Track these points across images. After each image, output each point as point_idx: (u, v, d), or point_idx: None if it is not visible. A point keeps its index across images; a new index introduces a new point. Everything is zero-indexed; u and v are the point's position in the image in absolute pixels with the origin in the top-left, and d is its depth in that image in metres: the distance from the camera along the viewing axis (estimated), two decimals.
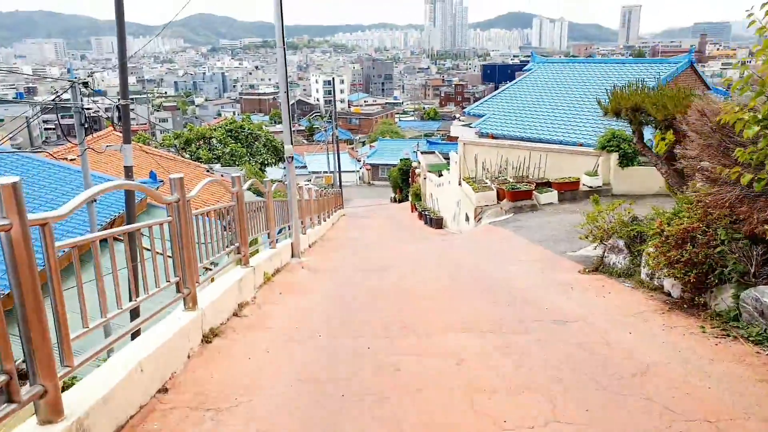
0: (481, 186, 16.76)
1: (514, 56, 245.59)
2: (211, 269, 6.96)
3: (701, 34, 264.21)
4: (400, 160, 44.23)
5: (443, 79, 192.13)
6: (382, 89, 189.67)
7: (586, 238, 9.27)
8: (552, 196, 16.05)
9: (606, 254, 8.85)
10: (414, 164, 36.86)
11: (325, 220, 19.08)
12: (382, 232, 20.06)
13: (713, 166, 5.25)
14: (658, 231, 6.79)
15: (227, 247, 6.91)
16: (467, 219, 17.66)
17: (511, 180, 17.23)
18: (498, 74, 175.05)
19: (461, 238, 13.79)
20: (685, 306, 6.60)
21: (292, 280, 8.81)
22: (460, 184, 18.59)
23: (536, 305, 7.08)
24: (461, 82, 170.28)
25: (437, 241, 14.17)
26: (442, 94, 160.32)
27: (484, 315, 6.62)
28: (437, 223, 22.09)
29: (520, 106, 24.72)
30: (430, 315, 6.66)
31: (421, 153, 34.00)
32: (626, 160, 16.10)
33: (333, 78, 43.97)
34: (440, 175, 27.22)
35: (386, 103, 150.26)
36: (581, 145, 19.01)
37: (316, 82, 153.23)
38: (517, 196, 15.74)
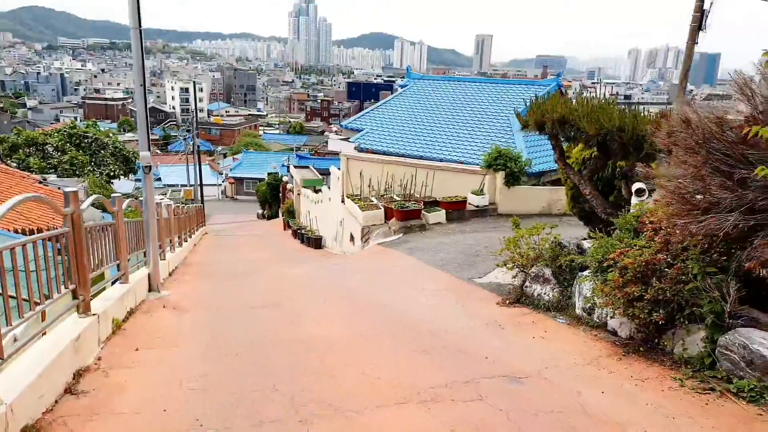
0: (368, 204, 15.48)
1: (377, 76, 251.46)
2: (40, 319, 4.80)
3: (543, 66, 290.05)
4: (268, 174, 41.98)
5: (308, 94, 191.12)
6: (245, 100, 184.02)
7: (504, 264, 8.22)
8: (440, 215, 15.17)
9: (528, 284, 7.84)
10: (285, 179, 34.90)
11: (186, 241, 16.68)
12: (256, 253, 18.00)
13: (705, 187, 4.26)
14: (611, 262, 5.79)
15: (56, 291, 4.82)
16: (352, 239, 16.26)
17: (397, 198, 16.13)
18: (363, 92, 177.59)
19: (352, 261, 12.35)
20: (640, 349, 5.66)
21: (152, 327, 6.76)
22: (343, 201, 17.18)
23: (473, 354, 5.79)
24: (327, 98, 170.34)
25: (325, 265, 12.57)
26: (308, 109, 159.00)
27: (417, 373, 5.17)
28: (315, 242, 20.44)
29: (399, 121, 24.01)
30: (348, 377, 5.07)
31: (294, 167, 32.16)
32: (512, 179, 15.70)
33: (193, 82, 40.61)
34: (317, 191, 25.64)
35: (249, 114, 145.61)
36: (461, 162, 18.52)
37: (172, 89, 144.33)
38: (407, 215, 14.65)
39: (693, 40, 15.87)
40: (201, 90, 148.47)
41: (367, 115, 25.84)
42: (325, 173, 35.96)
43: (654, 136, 5.08)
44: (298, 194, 29.05)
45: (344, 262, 12.42)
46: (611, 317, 6.32)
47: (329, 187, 20.65)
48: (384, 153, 20.49)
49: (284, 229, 30.04)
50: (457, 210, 15.44)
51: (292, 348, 5.91)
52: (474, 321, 7.09)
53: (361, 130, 23.99)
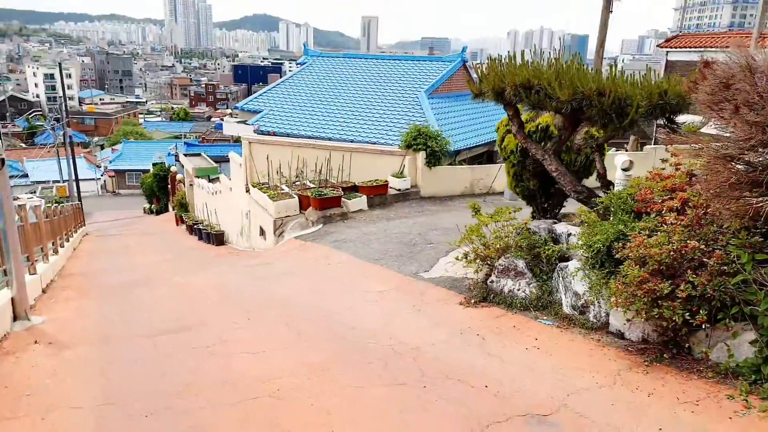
0: (279, 193, 13.74)
1: (263, 59, 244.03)
2: None
3: (429, 47, 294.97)
4: (153, 164, 38.40)
5: (191, 79, 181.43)
6: (121, 87, 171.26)
7: (465, 257, 7.00)
8: (361, 201, 13.78)
9: (495, 278, 6.67)
10: (173, 169, 31.84)
11: (63, 246, 14.12)
12: (149, 255, 15.66)
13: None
14: (629, 253, 4.69)
15: None
16: (263, 233, 14.46)
17: (311, 184, 14.52)
18: (250, 75, 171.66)
19: (271, 260, 10.64)
20: (663, 356, 4.64)
21: (16, 381, 4.86)
22: (248, 191, 15.28)
23: (465, 381, 4.51)
24: (212, 82, 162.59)
25: (238, 267, 10.75)
26: (192, 94, 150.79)
27: (408, 426, 3.79)
28: (217, 238, 18.32)
29: (302, 101, 22.25)
30: None
31: (184, 155, 29.29)
32: (434, 159, 14.61)
33: (59, 65, 35.90)
34: (212, 181, 23.29)
35: (127, 102, 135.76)
36: (374, 144, 17.22)
37: (35, 75, 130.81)
38: (325, 203, 13.10)
39: (608, 8, 15.56)
40: (69, 76, 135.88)
41: (265, 95, 23.80)
42: (221, 160, 33.34)
43: (693, 92, 3.96)
44: (191, 185, 26.41)
45: (261, 262, 10.70)
46: (609, 315, 5.27)
47: (229, 177, 18.58)
48: (290, 135, 18.72)
49: (177, 225, 27.30)
50: (378, 195, 14.10)
51: (222, 402, 4.31)
52: (443, 330, 5.82)
53: (260, 112, 22.01)
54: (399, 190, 14.48)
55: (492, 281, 6.69)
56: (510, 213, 6.79)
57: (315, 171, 15.01)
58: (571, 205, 8.86)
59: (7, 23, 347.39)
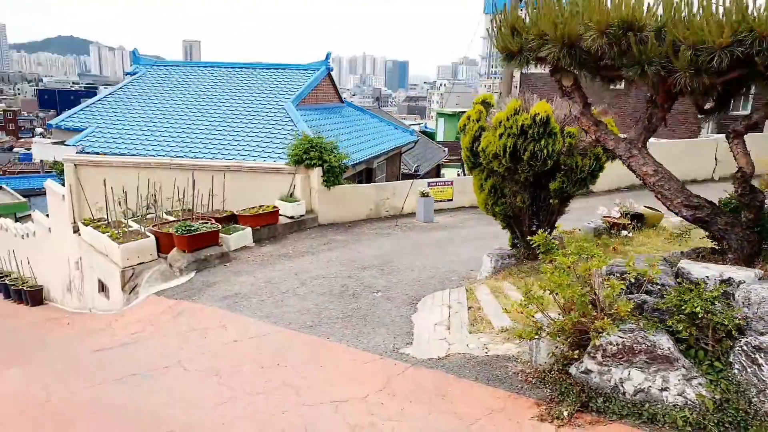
0: (126, 232, 9.87)
1: (73, 83, 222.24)
2: None
3: None
4: None
5: None
6: None
7: (520, 336, 4.17)
8: (245, 236, 10.44)
9: (595, 366, 3.89)
10: None
11: None
12: None
13: None
14: None
15: None
16: (104, 290, 10.40)
17: (170, 217, 10.83)
18: (59, 100, 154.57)
19: (128, 336, 6.86)
20: None
21: None
22: (77, 231, 11.10)
23: None
24: (11, 108, 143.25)
25: (76, 355, 6.79)
26: None
27: None
28: (33, 297, 13.56)
29: (138, 116, 18.01)
30: None
31: None
32: (332, 177, 11.70)
33: None
34: (20, 220, 18.02)
35: None
36: (251, 161, 13.85)
37: None
38: (197, 242, 9.53)
39: None
40: None
41: (88, 110, 19.07)
42: (32, 194, 27.14)
43: None
44: None
45: (114, 343, 6.90)
46: None
47: (46, 214, 13.93)
48: (125, 156, 14.60)
49: None
50: (266, 225, 10.84)
51: None
52: None
53: (83, 129, 17.37)
54: (292, 217, 11.35)
55: (587, 371, 3.90)
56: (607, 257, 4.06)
57: (173, 198, 11.30)
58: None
59: None
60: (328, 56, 22.01)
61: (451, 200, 13.05)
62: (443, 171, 34.22)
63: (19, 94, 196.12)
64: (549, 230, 6.59)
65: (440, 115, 56.19)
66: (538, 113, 5.80)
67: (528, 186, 6.10)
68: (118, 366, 5.80)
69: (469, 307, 5.68)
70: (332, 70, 21.78)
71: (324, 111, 20.09)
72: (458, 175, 31.85)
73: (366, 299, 6.75)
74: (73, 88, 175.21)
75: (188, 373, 5.24)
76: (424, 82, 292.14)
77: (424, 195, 11.78)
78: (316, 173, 11.55)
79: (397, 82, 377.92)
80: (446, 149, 35.22)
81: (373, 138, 20.10)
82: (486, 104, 6.51)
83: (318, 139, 11.73)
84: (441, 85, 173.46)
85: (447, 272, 7.91)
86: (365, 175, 18.92)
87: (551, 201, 6.17)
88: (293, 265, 8.98)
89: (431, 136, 46.33)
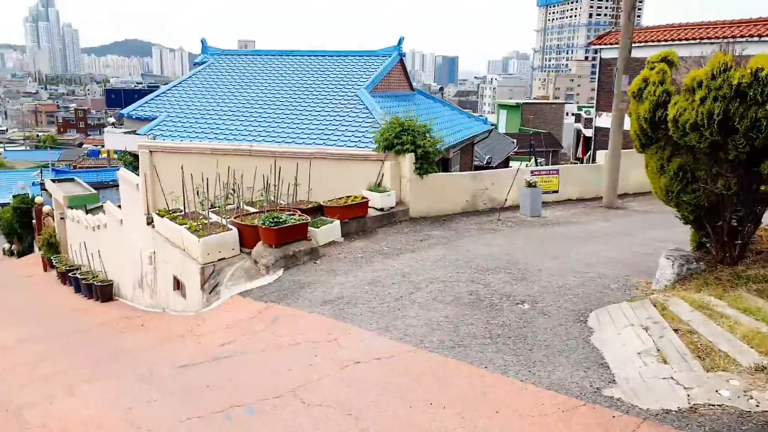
0: (205, 224, 8.87)
1: (137, 83, 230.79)
2: None
3: None
4: (14, 196, 31.07)
5: (58, 105, 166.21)
6: None
7: None
8: (333, 229, 9.28)
9: None
10: (39, 200, 25.20)
11: None
12: (4, 331, 10.07)
13: None
14: None
15: None
16: (179, 287, 9.46)
17: (251, 208, 9.79)
18: (125, 99, 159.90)
19: (215, 348, 5.76)
20: None
21: None
22: (151, 222, 10.22)
23: None
24: (82, 108, 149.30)
25: (160, 372, 5.71)
26: (60, 120, 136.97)
27: None
28: (104, 292, 12.89)
29: (209, 104, 17.22)
30: None
31: (53, 182, 22.78)
32: (426, 165, 10.38)
33: None
34: (91, 212, 17.57)
35: None
36: (337, 147, 12.68)
37: None
38: (285, 235, 8.42)
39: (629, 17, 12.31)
40: None
41: (158, 99, 18.44)
42: (101, 187, 27.11)
43: None
44: (62, 218, 20.25)
45: (205, 357, 5.75)
46: None
47: (119, 204, 13.24)
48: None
49: (46, 270, 20.99)
50: (355, 218, 9.64)
51: None
52: None
53: (154, 119, 16.70)
54: (381, 209, 10.11)
55: None
56: None
57: (253, 188, 10.25)
58: None
59: None
60: (400, 41, 20.69)
61: (557, 191, 11.53)
62: (511, 163, 32.58)
63: (88, 94, 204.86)
64: (753, 227, 5.07)
65: (502, 107, 54.08)
66: (762, 68, 4.31)
67: (736, 167, 4.62)
68: (214, 392, 4.66)
69: (675, 330, 4.26)
70: (404, 56, 20.48)
71: (396, 98, 18.84)
72: (526, 166, 30.17)
73: (511, 312, 5.41)
74: (137, 88, 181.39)
75: (310, 409, 4.02)
76: (474, 77, 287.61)
77: (531, 185, 10.32)
78: (408, 160, 10.26)
79: (446, 78, 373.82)
80: (514, 141, 33.50)
81: (448, 126, 18.72)
82: (669, 62, 5.05)
83: (410, 122, 10.44)
84: (492, 79, 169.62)
85: (596, 278, 6.49)
86: (441, 165, 17.57)
87: (762, 188, 4.66)
88: (395, 264, 7.72)
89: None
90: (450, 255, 7.92)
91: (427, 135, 10.58)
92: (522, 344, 4.69)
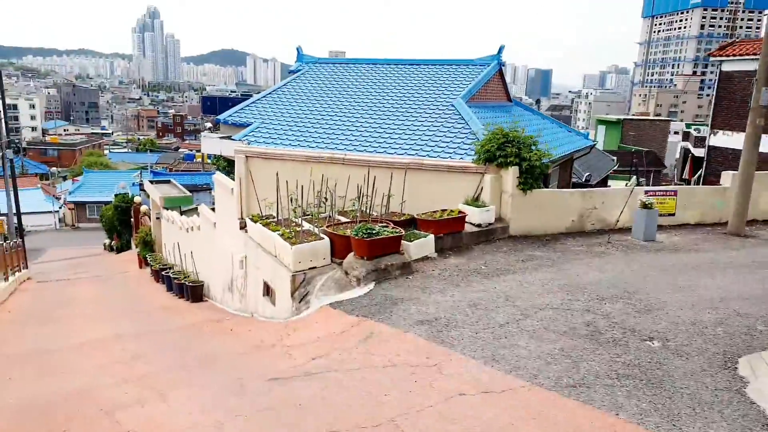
0: (297, 231, 8.70)
1: (231, 91, 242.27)
2: None
3: None
4: (115, 195, 32.89)
5: (158, 111, 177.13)
6: (87, 118, 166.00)
7: None
8: (427, 244, 8.83)
9: None
10: (137, 199, 26.45)
11: None
12: (97, 324, 10.40)
13: None
14: None
15: None
16: (269, 293, 9.33)
17: (342, 218, 9.54)
18: (219, 106, 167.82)
19: (307, 363, 5.49)
20: None
21: None
22: (244, 227, 10.20)
23: None
24: (179, 114, 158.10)
25: (253, 380, 5.50)
26: (159, 125, 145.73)
27: None
28: (194, 292, 13.10)
29: (303, 111, 17.31)
30: None
31: (150, 182, 23.86)
32: (531, 179, 9.75)
33: (0, 88, 29.91)
34: (185, 213, 18.09)
35: (92, 133, 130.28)
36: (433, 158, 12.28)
37: None
38: (378, 247, 8.08)
39: None
40: (33, 107, 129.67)
41: (253, 106, 18.79)
42: (195, 190, 28.13)
43: None
44: (158, 218, 21.08)
45: (297, 372, 5.48)
46: None
47: (213, 207, 13.47)
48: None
49: (141, 267, 21.91)
50: (450, 234, 9.16)
51: None
52: None
53: (249, 125, 16.99)
54: (479, 225, 9.57)
55: None
56: None
57: (345, 197, 10.01)
58: None
59: None
60: (500, 50, 20.02)
61: (673, 215, 10.54)
62: (610, 182, 30.98)
63: (186, 101, 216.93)
64: None
65: (600, 122, 51.82)
66: None
67: None
68: (307, 413, 4.32)
69: None
70: (504, 65, 19.82)
71: (493, 109, 18.21)
72: (626, 185, 28.53)
73: (639, 350, 4.76)
74: (231, 96, 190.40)
75: None
76: (569, 92, 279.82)
77: (646, 206, 9.44)
78: (512, 174, 9.67)
79: (538, 92, 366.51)
80: (614, 158, 31.84)
81: (548, 140, 17.87)
82: None
83: (515, 133, 9.86)
84: (587, 94, 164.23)
85: (734, 315, 5.67)
86: (541, 181, 16.74)
87: None
88: (496, 285, 7.16)
89: None
90: (558, 279, 7.27)
91: (533, 147, 9.96)
92: (658, 390, 4.04)
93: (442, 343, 5.34)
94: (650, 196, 9.97)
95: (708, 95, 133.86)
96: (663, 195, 10.47)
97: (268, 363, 5.97)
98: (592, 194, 10.48)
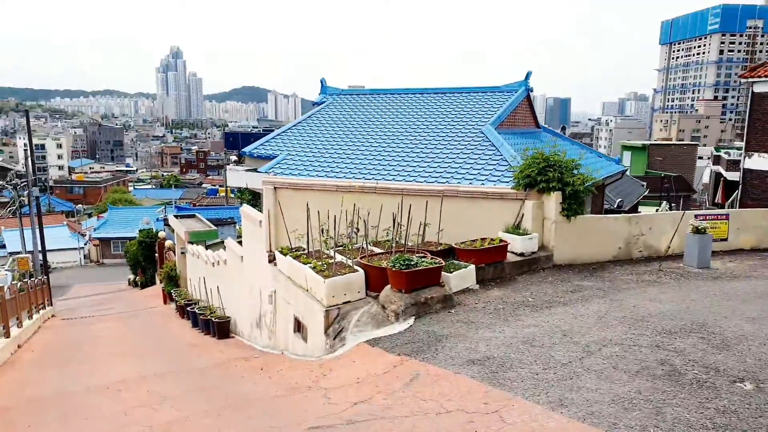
0: (330, 263, 8.27)
1: (253, 127, 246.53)
2: None
3: None
4: (140, 231, 32.96)
5: (181, 147, 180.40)
6: (112, 156, 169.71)
7: None
8: (468, 275, 8.34)
9: None
10: (161, 234, 26.37)
11: None
12: (121, 366, 10.00)
13: None
14: None
15: None
16: (300, 329, 8.87)
17: (377, 249, 9.10)
18: (241, 141, 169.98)
19: (348, 409, 5.04)
20: None
21: None
22: (273, 260, 9.81)
23: None
24: (202, 150, 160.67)
25: (292, 430, 5.07)
26: (182, 161, 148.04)
27: None
28: (221, 328, 12.70)
29: (327, 143, 17.11)
30: None
31: (175, 217, 23.76)
32: (575, 204, 9.25)
33: (27, 117, 30.52)
34: (210, 248, 17.83)
35: (117, 170, 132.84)
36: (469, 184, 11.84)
37: (25, 146, 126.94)
38: (416, 280, 7.62)
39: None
40: (60, 146, 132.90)
41: (278, 138, 18.66)
42: (219, 224, 27.98)
43: None
44: (183, 253, 20.89)
45: (338, 417, 4.97)
46: None
47: (239, 240, 13.16)
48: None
49: (166, 303, 21.68)
50: (492, 264, 8.66)
51: None
52: None
53: (274, 157, 16.80)
54: (522, 254, 9.06)
55: None
56: None
57: (378, 227, 9.60)
58: None
59: (3, 100, 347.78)
60: (528, 75, 19.72)
61: (726, 240, 9.93)
62: (640, 208, 30.21)
63: (209, 137, 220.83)
64: None
65: (626, 148, 51.14)
66: None
67: None
68: None
69: None
70: (532, 91, 19.49)
71: (522, 135, 17.83)
72: (657, 211, 27.79)
73: (731, 393, 4.19)
74: (253, 131, 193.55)
75: None
76: (588, 119, 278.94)
77: (699, 231, 8.85)
78: (554, 199, 9.17)
79: (558, 120, 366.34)
80: (644, 183, 31.10)
81: (585, 165, 17.39)
82: None
83: (556, 156, 9.41)
84: (608, 121, 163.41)
85: None
86: None
87: None
88: (548, 319, 6.63)
89: None
90: (614, 311, 6.71)
91: (575, 171, 9.49)
92: None
93: (499, 386, 4.82)
94: (701, 220, 9.39)
95: (731, 119, 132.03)
96: (714, 219, 9.88)
97: (306, 408, 5.48)
98: (639, 219, 9.92)
